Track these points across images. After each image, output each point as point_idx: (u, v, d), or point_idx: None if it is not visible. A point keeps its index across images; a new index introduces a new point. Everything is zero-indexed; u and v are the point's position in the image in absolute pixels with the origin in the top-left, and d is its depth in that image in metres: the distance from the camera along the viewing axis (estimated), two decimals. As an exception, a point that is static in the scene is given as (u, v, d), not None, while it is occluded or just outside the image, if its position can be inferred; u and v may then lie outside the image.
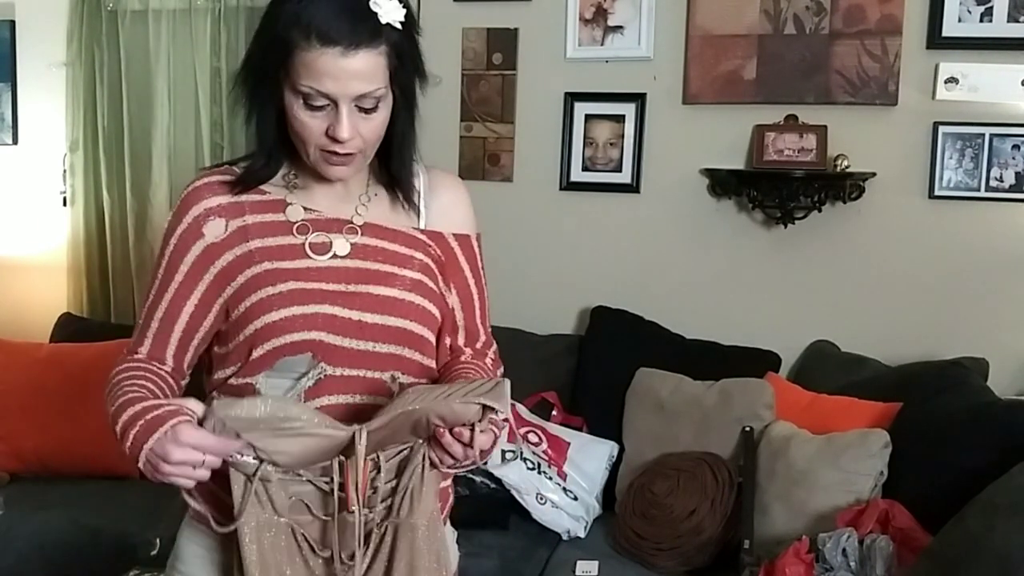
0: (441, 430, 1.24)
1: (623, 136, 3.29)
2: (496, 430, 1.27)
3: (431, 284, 1.43)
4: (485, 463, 1.36)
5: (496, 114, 3.42)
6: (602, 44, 3.28)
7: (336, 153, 1.31)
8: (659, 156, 3.27)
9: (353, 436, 1.22)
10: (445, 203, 1.50)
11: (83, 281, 3.86)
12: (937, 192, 2.99)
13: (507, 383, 1.26)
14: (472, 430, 1.24)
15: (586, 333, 3.26)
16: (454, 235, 1.49)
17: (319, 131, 1.29)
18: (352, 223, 1.40)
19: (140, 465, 1.23)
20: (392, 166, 1.41)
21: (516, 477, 2.80)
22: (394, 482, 1.28)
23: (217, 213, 1.37)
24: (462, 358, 1.49)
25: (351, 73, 1.25)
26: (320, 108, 1.27)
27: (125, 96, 3.75)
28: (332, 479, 1.25)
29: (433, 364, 1.46)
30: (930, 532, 2.19)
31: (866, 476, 2.46)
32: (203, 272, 1.37)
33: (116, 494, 3.01)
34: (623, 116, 3.28)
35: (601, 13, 3.26)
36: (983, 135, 2.94)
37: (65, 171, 3.85)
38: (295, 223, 1.38)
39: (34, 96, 3.92)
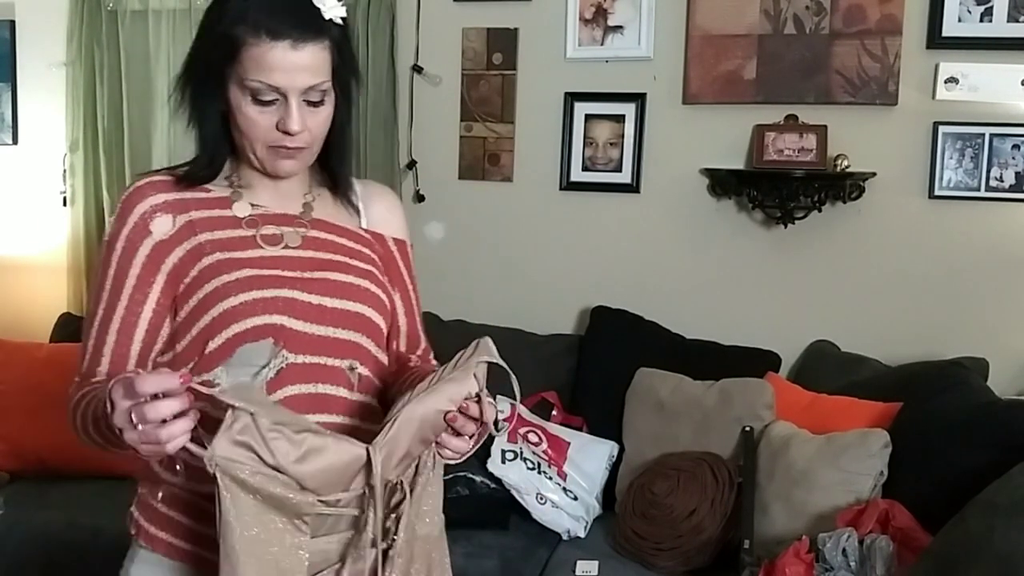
0: (452, 414, 1.22)
1: (623, 136, 3.29)
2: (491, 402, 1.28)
3: (380, 276, 1.45)
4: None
5: (496, 114, 3.42)
6: (602, 44, 3.28)
7: (286, 147, 1.32)
8: (659, 156, 3.27)
9: (368, 455, 1.18)
10: (382, 209, 1.52)
11: (83, 281, 3.86)
12: (937, 192, 2.99)
13: (488, 339, 1.27)
14: (479, 401, 1.23)
15: (586, 333, 3.26)
16: (393, 239, 1.51)
17: (268, 126, 1.30)
18: (300, 218, 1.41)
19: (139, 447, 1.12)
20: (332, 164, 1.43)
21: (516, 477, 2.80)
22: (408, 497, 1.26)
23: (163, 209, 1.35)
24: (411, 364, 1.49)
25: (300, 66, 1.27)
26: (270, 103, 1.29)
27: (125, 96, 3.75)
28: (363, 509, 1.21)
29: (386, 360, 1.45)
30: (930, 532, 2.18)
31: (866, 476, 2.45)
32: (155, 272, 1.33)
33: (116, 494, 2.97)
34: (623, 116, 3.28)
35: (601, 13, 3.26)
36: (983, 135, 2.94)
37: (65, 171, 3.85)
38: (243, 218, 1.38)
39: (34, 96, 3.92)
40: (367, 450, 1.18)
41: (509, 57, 3.38)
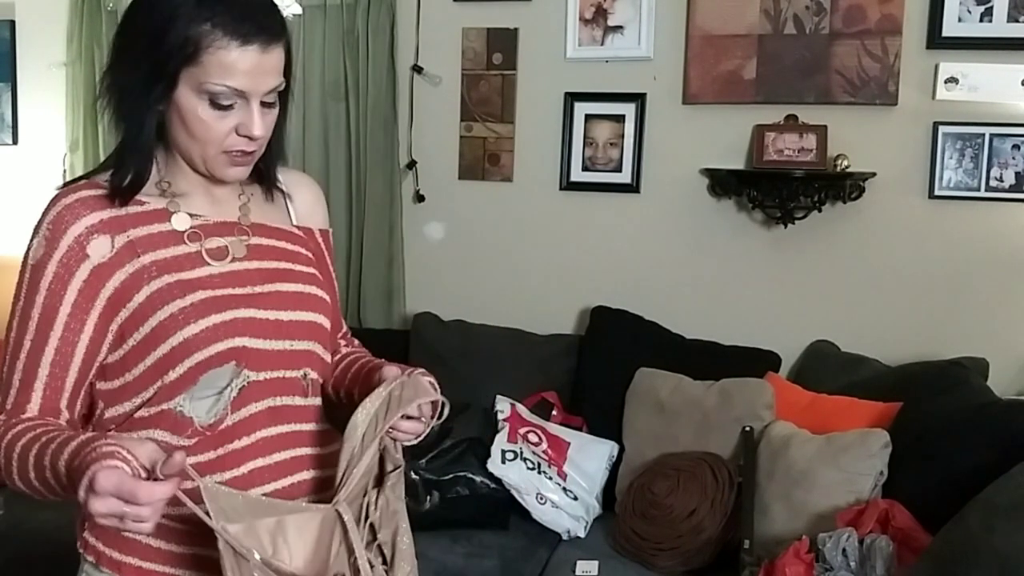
0: (398, 434, 1.29)
1: (623, 136, 3.29)
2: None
3: (319, 276, 1.43)
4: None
5: (496, 114, 3.42)
6: (602, 44, 3.28)
7: (243, 152, 1.27)
8: (659, 156, 3.27)
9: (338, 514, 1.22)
10: (308, 200, 1.48)
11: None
12: (937, 192, 2.99)
13: (419, 378, 1.32)
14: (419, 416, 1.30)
15: (586, 333, 3.26)
16: (319, 231, 1.49)
17: (225, 131, 1.24)
18: (240, 224, 1.36)
19: (102, 522, 1.07)
20: (267, 161, 1.37)
21: (516, 477, 2.80)
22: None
23: (100, 230, 1.24)
24: (343, 349, 1.53)
25: (266, 69, 1.23)
26: (228, 107, 1.22)
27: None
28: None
29: (329, 358, 1.45)
30: (930, 532, 2.18)
31: (866, 476, 2.46)
32: (93, 298, 1.24)
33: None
34: (623, 116, 3.28)
35: (601, 13, 3.26)
36: (983, 135, 2.94)
37: (65, 171, 3.85)
38: (184, 231, 1.30)
39: (34, 96, 3.92)
40: (336, 511, 1.21)
41: (509, 57, 3.38)
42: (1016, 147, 2.92)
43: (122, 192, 1.26)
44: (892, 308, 3.07)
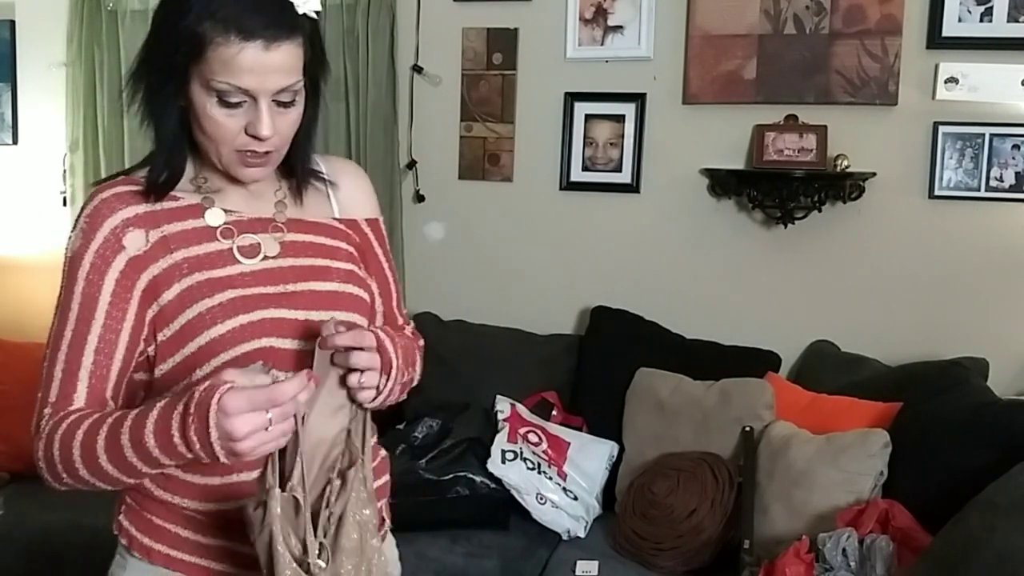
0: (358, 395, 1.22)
1: (623, 136, 3.29)
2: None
3: (361, 273, 1.40)
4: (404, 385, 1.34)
5: (496, 114, 3.42)
6: (602, 44, 3.28)
7: (255, 152, 1.24)
8: (659, 156, 3.27)
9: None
10: (350, 189, 1.45)
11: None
12: (937, 192, 2.99)
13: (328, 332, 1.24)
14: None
15: (586, 333, 3.26)
16: (366, 220, 1.46)
17: (235, 130, 1.22)
18: (276, 221, 1.35)
19: (225, 460, 1.09)
20: (294, 158, 1.34)
21: (516, 477, 2.80)
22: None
23: (135, 224, 1.26)
24: None
25: (272, 67, 1.18)
26: (237, 105, 1.20)
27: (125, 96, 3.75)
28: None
29: None
30: (930, 532, 2.18)
31: (866, 476, 2.46)
32: (130, 288, 1.24)
33: (116, 494, 3.00)
34: (623, 116, 3.28)
35: (601, 13, 3.26)
36: (983, 135, 2.94)
37: (65, 171, 3.85)
38: (217, 227, 1.30)
39: (34, 96, 3.92)
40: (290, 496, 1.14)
41: (509, 57, 3.38)
42: (1016, 147, 2.92)
43: (156, 188, 1.27)
44: (892, 308, 3.07)
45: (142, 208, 1.27)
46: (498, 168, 3.44)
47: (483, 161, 3.45)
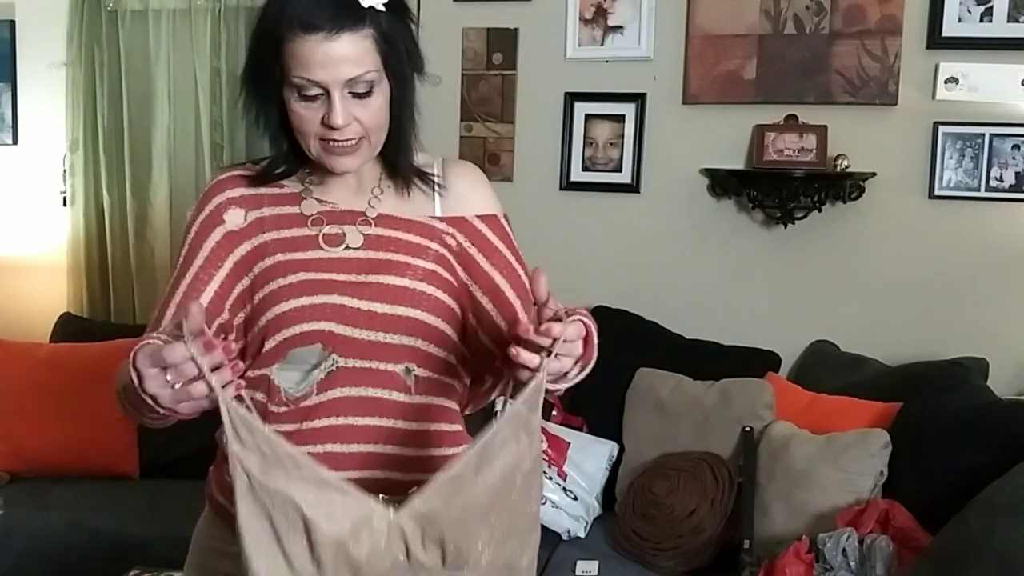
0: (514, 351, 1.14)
1: (623, 136, 3.29)
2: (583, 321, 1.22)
3: (446, 275, 1.39)
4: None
5: (496, 114, 3.42)
6: (602, 44, 3.28)
7: (336, 141, 1.30)
8: (659, 156, 3.27)
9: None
10: (462, 189, 1.45)
11: (83, 281, 3.86)
12: (937, 192, 2.99)
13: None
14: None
15: (586, 333, 3.26)
16: (479, 217, 1.44)
17: (316, 122, 1.29)
18: (366, 215, 1.39)
19: (160, 410, 1.11)
20: (390, 155, 1.38)
21: (516, 477, 2.80)
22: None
23: (238, 203, 1.39)
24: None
25: (337, 58, 1.25)
26: (314, 98, 1.28)
27: (125, 96, 3.75)
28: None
29: (454, 359, 1.41)
30: (930, 532, 2.19)
31: (866, 476, 2.46)
32: (224, 258, 1.37)
33: (116, 494, 3.01)
34: (623, 116, 3.28)
35: (601, 13, 3.26)
36: (983, 135, 2.94)
37: (65, 171, 3.85)
38: (310, 216, 1.38)
39: (34, 96, 3.92)
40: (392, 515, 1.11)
41: (509, 57, 3.38)
42: (1016, 147, 2.92)
43: (262, 175, 1.40)
44: (892, 308, 3.07)
45: (248, 191, 1.40)
46: (498, 168, 3.44)
47: (483, 161, 3.45)
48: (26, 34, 3.90)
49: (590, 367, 1.31)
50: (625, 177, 3.30)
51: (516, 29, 3.37)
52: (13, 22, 3.89)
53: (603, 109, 3.30)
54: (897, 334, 3.04)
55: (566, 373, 1.21)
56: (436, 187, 1.42)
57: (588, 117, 3.32)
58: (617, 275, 3.34)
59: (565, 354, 1.18)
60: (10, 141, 3.95)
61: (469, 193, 1.45)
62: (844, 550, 2.20)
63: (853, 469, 2.46)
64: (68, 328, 3.57)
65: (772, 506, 2.54)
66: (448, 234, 1.41)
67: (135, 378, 1.09)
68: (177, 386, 1.07)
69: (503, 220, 1.48)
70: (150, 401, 1.10)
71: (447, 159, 1.49)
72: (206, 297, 1.34)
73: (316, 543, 1.10)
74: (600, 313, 3.26)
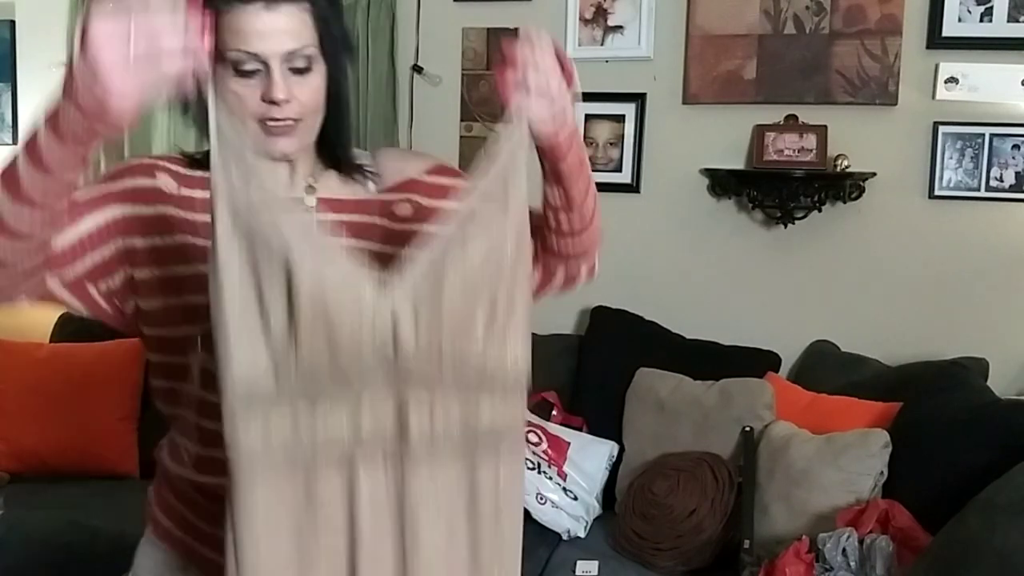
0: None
1: (623, 136, 3.29)
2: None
3: (392, 251, 1.30)
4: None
5: (496, 114, 3.42)
6: (602, 44, 3.28)
7: (275, 120, 1.23)
8: (659, 156, 3.27)
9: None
10: (394, 162, 1.42)
11: (83, 281, 3.86)
12: (937, 192, 2.99)
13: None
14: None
15: (586, 333, 3.26)
16: (426, 172, 1.41)
17: (254, 100, 1.22)
18: (304, 201, 1.32)
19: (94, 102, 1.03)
20: (328, 143, 1.33)
21: (516, 477, 2.80)
22: None
23: (171, 175, 1.30)
24: None
25: (277, 29, 1.20)
26: (251, 74, 1.21)
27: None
28: None
29: None
30: (930, 532, 2.19)
31: (866, 476, 2.46)
32: (144, 201, 1.27)
33: (116, 494, 3.00)
34: (623, 116, 3.28)
35: (601, 13, 3.26)
36: (983, 135, 2.94)
37: (65, 171, 3.85)
38: None
39: (34, 96, 3.92)
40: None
41: (509, 57, 3.38)
42: (1016, 147, 2.92)
43: (198, 161, 1.31)
44: (892, 308, 3.07)
45: (180, 169, 1.32)
46: (498, 168, 3.43)
47: (483, 161, 3.45)
48: (26, 34, 3.90)
49: (583, 153, 1.35)
50: (625, 177, 3.30)
51: (516, 29, 3.36)
52: (13, 22, 3.90)
53: (603, 109, 3.30)
54: (897, 334, 3.04)
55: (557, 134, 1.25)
56: (370, 174, 1.38)
57: (588, 117, 3.32)
58: (617, 275, 3.32)
59: (540, 94, 1.24)
60: (10, 141, 3.96)
61: (402, 164, 1.42)
62: (844, 550, 2.20)
63: (853, 469, 2.46)
64: (68, 328, 3.57)
65: (772, 506, 2.54)
66: (400, 202, 1.37)
67: (80, 45, 0.96)
68: (142, 49, 0.95)
69: (448, 165, 1.46)
70: (82, 90, 0.98)
71: (378, 149, 1.44)
72: (89, 223, 1.23)
73: (296, 292, 1.01)
74: (600, 313, 3.27)
